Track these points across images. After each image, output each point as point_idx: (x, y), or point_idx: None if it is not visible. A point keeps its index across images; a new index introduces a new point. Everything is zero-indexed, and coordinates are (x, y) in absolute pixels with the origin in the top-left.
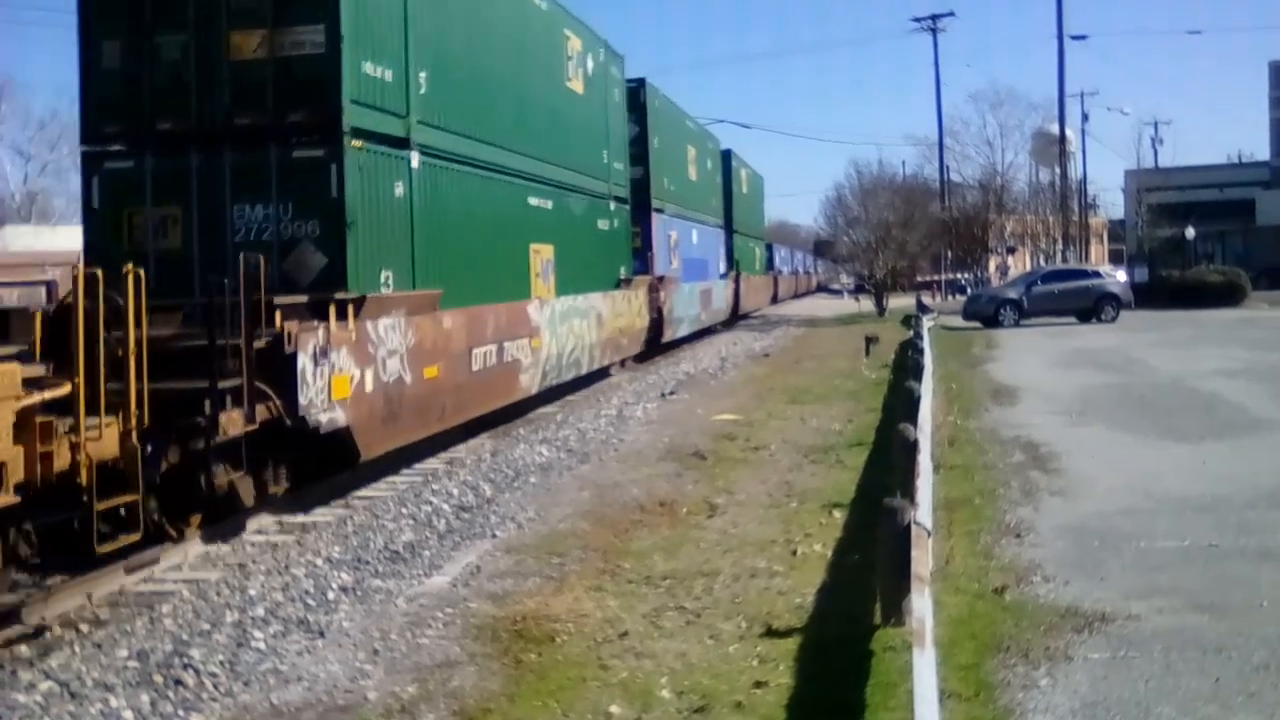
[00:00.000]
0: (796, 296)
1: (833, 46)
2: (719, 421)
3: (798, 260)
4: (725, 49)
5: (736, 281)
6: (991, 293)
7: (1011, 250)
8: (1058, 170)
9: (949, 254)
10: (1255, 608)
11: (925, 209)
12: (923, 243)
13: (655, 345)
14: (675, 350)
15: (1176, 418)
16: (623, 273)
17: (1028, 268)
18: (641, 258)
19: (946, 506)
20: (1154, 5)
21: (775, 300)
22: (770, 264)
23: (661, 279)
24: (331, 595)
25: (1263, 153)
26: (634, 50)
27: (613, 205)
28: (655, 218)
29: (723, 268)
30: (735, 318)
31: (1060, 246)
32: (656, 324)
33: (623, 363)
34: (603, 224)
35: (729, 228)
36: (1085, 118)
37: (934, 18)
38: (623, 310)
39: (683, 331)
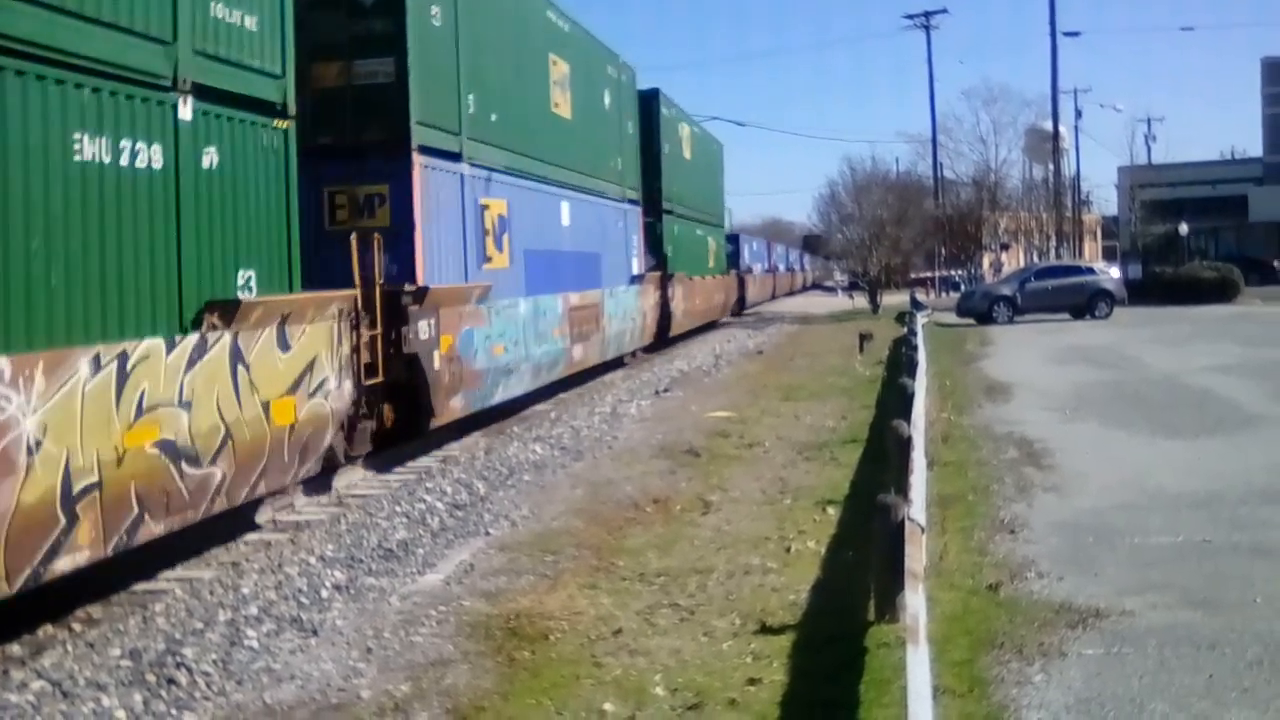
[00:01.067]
0: (776, 298)
1: (827, 45)
2: (712, 418)
3: (778, 255)
4: (722, 49)
5: (664, 287)
6: (985, 289)
7: (1005, 247)
8: (1051, 167)
9: (943, 251)
10: (1249, 603)
11: (919, 206)
12: (916, 240)
13: (404, 436)
14: (671, 350)
15: (1170, 414)
16: (242, 281)
17: (1021, 264)
18: (372, 250)
19: (940, 503)
20: (1147, 1)
21: (743, 306)
22: (735, 260)
23: (423, 293)
24: (325, 593)
25: (1255, 149)
26: (633, 51)
27: (190, 111)
28: (424, 165)
29: (636, 266)
30: (663, 339)
31: (1054, 243)
32: (409, 395)
33: (271, 508)
34: (99, 150)
35: (655, 207)
36: (1078, 114)
37: (927, 15)
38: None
39: (511, 390)
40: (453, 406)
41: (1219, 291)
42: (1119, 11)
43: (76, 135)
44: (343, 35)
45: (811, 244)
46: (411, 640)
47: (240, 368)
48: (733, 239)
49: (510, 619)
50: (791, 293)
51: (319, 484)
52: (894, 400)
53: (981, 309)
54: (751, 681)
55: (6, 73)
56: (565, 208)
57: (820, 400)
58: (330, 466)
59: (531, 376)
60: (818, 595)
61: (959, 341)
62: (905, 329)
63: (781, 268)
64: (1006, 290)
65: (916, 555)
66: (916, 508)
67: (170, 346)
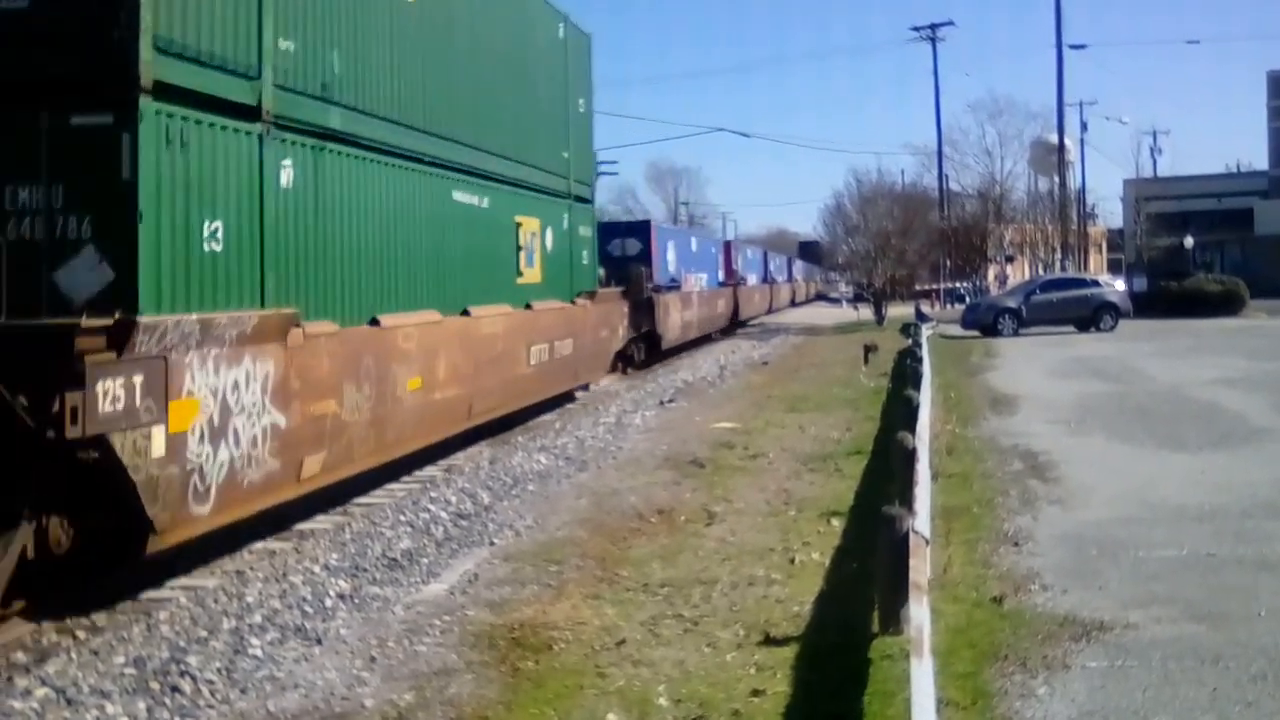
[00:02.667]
0: (742, 321)
1: (832, 55)
2: (717, 429)
3: (746, 263)
4: (725, 58)
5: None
6: (990, 301)
7: (1010, 259)
8: (1056, 179)
9: (948, 263)
10: (1253, 617)
11: (924, 218)
12: (922, 251)
13: None
14: (674, 359)
15: (1175, 427)
16: None
17: (1026, 276)
18: None
19: (945, 515)
20: (1153, 15)
21: (657, 346)
22: (634, 269)
23: None
24: (329, 602)
25: (1261, 162)
26: (632, 56)
27: None
28: None
29: None
30: (123, 560)
31: (1059, 255)
32: None
33: None
34: None
35: (94, 80)
36: (1084, 127)
37: (933, 27)
38: None
39: None
40: None
41: (1224, 305)
42: (1125, 25)
43: None
44: None
45: (809, 252)
46: (415, 650)
47: None
48: (639, 230)
49: (514, 629)
50: (771, 310)
51: None
52: (899, 412)
53: (986, 321)
54: (755, 693)
55: None
56: None
57: (825, 412)
58: None
59: None
60: (822, 607)
61: (964, 354)
62: (910, 341)
63: (752, 279)
64: (1012, 303)
65: (921, 567)
66: (921, 520)
67: None
